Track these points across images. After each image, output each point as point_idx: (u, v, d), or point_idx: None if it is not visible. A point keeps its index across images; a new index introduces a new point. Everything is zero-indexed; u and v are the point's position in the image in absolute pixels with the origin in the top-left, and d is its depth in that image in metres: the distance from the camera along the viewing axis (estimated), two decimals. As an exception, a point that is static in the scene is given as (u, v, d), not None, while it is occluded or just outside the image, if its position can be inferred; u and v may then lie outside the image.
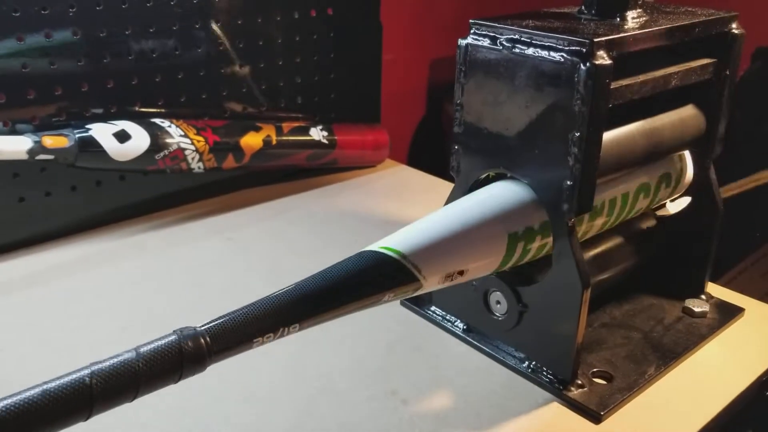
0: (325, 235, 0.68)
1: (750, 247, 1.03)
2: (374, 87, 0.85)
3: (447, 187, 0.79)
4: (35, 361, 0.49)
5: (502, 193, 0.44)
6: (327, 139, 0.76)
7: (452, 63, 0.47)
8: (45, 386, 0.29)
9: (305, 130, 0.75)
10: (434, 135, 1.05)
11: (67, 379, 0.30)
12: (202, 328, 0.33)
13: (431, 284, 0.40)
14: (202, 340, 0.33)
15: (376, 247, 0.40)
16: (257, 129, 0.71)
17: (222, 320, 0.34)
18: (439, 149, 1.05)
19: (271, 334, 0.35)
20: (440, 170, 0.84)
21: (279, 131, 0.73)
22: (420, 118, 1.05)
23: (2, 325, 0.52)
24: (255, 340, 0.34)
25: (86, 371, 0.30)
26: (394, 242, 0.40)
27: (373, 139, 0.82)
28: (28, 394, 0.29)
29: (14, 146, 0.57)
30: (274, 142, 0.72)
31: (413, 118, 1.05)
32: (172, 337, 0.32)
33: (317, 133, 0.76)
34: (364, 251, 0.39)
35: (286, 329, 0.35)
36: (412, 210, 0.73)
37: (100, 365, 0.31)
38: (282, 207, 0.74)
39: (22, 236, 0.63)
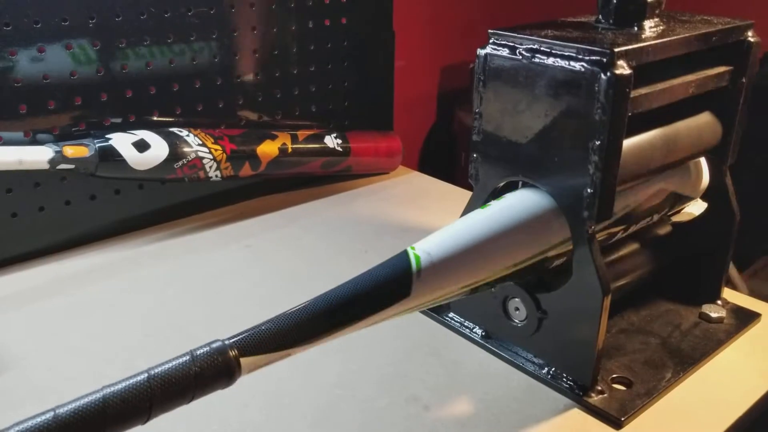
0: (341, 241, 0.68)
1: (758, 251, 1.03)
2: (387, 94, 0.86)
3: (460, 193, 0.80)
4: (60, 369, 0.49)
5: (523, 203, 0.44)
6: (341, 147, 0.77)
7: (464, 70, 0.47)
8: (105, 390, 0.30)
9: (320, 138, 0.76)
10: (445, 141, 1.06)
11: (128, 382, 0.31)
12: (231, 341, 0.34)
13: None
14: (231, 353, 0.33)
15: (398, 258, 0.40)
16: (273, 137, 0.72)
17: (250, 333, 0.34)
18: (450, 155, 1.05)
19: (299, 347, 0.35)
20: (451, 176, 0.85)
21: (294, 139, 0.73)
22: (431, 125, 1.06)
23: (25, 333, 0.53)
24: (283, 353, 0.35)
25: (144, 376, 0.31)
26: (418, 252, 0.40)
27: (387, 146, 0.82)
28: (87, 399, 0.29)
29: (36, 156, 0.58)
30: (289, 150, 0.72)
31: (424, 124, 1.05)
32: (206, 349, 0.33)
33: (331, 141, 0.76)
34: (385, 262, 0.40)
35: (314, 341, 0.36)
36: (426, 216, 0.74)
37: (156, 369, 0.31)
38: (298, 214, 0.75)
39: (42, 245, 0.64)
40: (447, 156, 1.07)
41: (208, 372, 0.33)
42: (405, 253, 0.40)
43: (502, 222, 0.43)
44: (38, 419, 0.29)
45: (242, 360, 0.34)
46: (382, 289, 0.38)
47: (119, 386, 0.31)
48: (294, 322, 0.35)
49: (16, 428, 0.28)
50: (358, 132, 0.81)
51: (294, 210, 0.75)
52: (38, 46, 0.59)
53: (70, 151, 0.59)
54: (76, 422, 0.29)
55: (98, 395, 0.30)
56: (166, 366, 0.32)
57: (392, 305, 0.38)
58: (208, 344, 0.33)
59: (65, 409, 0.30)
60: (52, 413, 0.29)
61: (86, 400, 0.30)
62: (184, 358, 0.32)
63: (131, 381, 0.31)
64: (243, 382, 0.36)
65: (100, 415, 0.30)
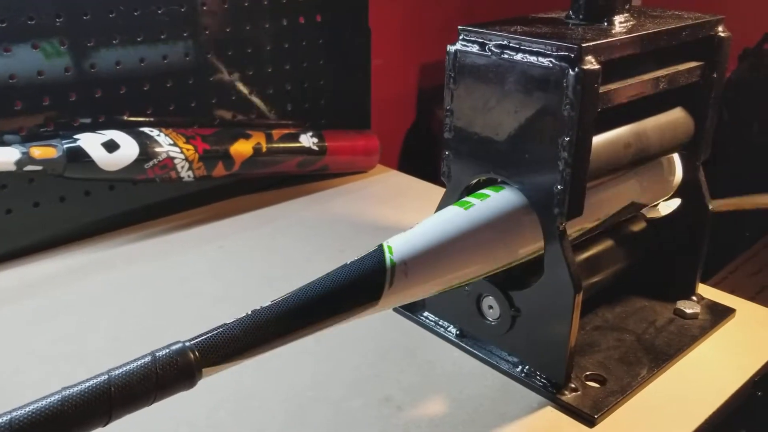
0: (317, 242, 0.68)
1: (739, 247, 1.03)
2: (364, 92, 0.85)
3: (438, 191, 0.79)
4: (29, 373, 0.48)
5: (493, 202, 0.44)
6: (317, 146, 0.76)
7: (441, 67, 0.47)
8: (65, 392, 0.29)
9: (295, 137, 0.75)
10: (424, 140, 1.05)
11: (87, 384, 0.30)
12: (191, 342, 0.33)
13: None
14: (191, 355, 0.32)
15: (364, 257, 0.39)
16: (247, 136, 0.71)
17: (211, 334, 0.34)
18: (430, 154, 1.05)
19: (262, 348, 0.35)
20: (431, 175, 0.84)
21: (269, 138, 0.73)
22: (410, 123, 1.05)
23: (-8, 338, 0.52)
24: (245, 354, 0.34)
25: (104, 377, 0.30)
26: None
27: (364, 144, 0.82)
28: (48, 401, 0.29)
29: (2, 157, 0.56)
30: (264, 149, 0.72)
31: (403, 123, 1.05)
32: (165, 351, 0.32)
33: (307, 140, 0.76)
34: (353, 262, 0.39)
35: (276, 343, 0.35)
36: (404, 215, 0.73)
37: (116, 371, 0.31)
38: (273, 214, 0.74)
39: (10, 248, 0.63)
40: (426, 154, 1.07)
41: (169, 374, 0.32)
42: (380, 256, 0.39)
43: (471, 223, 0.42)
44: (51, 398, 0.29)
45: (204, 362, 0.33)
46: (353, 291, 0.38)
47: (77, 388, 0.30)
48: (257, 323, 0.34)
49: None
50: (334, 131, 0.80)
51: (269, 210, 0.75)
52: (4, 46, 0.58)
53: (38, 152, 0.58)
54: (34, 424, 0.29)
55: (56, 397, 0.30)
56: (127, 368, 0.32)
57: (360, 308, 0.38)
58: (169, 346, 0.33)
59: (20, 412, 0.29)
60: (59, 395, 0.29)
61: (43, 402, 0.29)
62: (146, 359, 0.32)
63: (90, 383, 0.30)
64: (212, 384, 0.35)
65: (59, 416, 0.29)
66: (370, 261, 0.39)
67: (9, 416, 0.29)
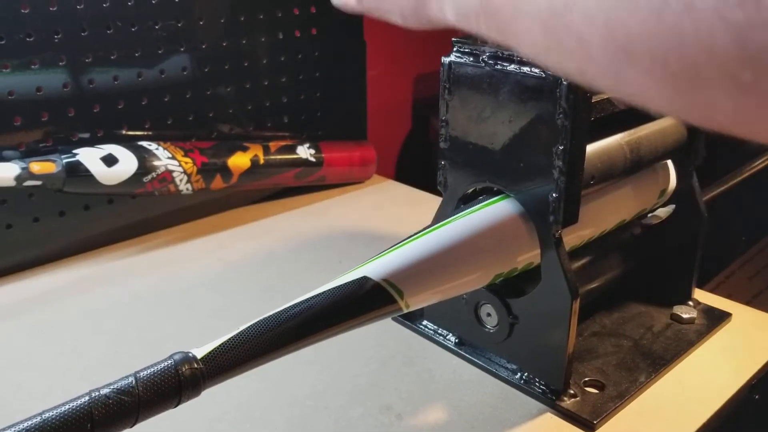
0: (315, 253, 0.68)
1: (736, 251, 1.04)
2: (360, 104, 0.86)
3: (435, 201, 0.79)
4: (29, 388, 0.48)
5: (490, 211, 0.44)
6: (314, 157, 0.77)
7: (436, 78, 0.47)
8: (44, 415, 0.29)
9: (292, 149, 0.76)
10: (421, 149, 1.06)
11: (66, 407, 0.30)
12: (196, 353, 0.33)
13: (414, 306, 0.41)
14: (196, 365, 0.33)
15: (360, 272, 0.40)
16: (244, 149, 0.71)
17: (215, 345, 0.34)
18: (427, 163, 1.05)
19: (262, 359, 0.35)
20: (428, 184, 0.85)
21: (266, 150, 0.73)
22: (406, 133, 1.06)
23: (-7, 353, 0.52)
24: (247, 365, 0.35)
25: (85, 398, 0.30)
26: (379, 267, 0.40)
27: (360, 155, 0.82)
28: (27, 424, 0.29)
29: (1, 173, 0.57)
30: (261, 161, 0.72)
31: (400, 133, 1.05)
32: (168, 362, 0.32)
33: (304, 151, 0.76)
34: (348, 275, 0.40)
35: (276, 353, 0.35)
36: (401, 225, 0.74)
37: (99, 392, 0.31)
38: (271, 226, 0.74)
39: (10, 263, 0.63)
40: (423, 164, 1.07)
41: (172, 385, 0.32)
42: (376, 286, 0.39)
43: (466, 235, 0.43)
44: (29, 422, 0.29)
45: (208, 372, 0.33)
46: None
47: (56, 411, 0.30)
48: (256, 335, 0.35)
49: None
50: (331, 142, 0.81)
51: (267, 222, 0.75)
52: (3, 63, 0.59)
53: (37, 167, 0.58)
54: (61, 427, 0.29)
55: (85, 399, 0.30)
56: (151, 370, 0.32)
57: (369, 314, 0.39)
58: (171, 356, 0.33)
59: (52, 413, 0.29)
60: (39, 418, 0.29)
61: (73, 404, 0.30)
62: (166, 363, 0.32)
63: (69, 405, 0.31)
64: (213, 396, 0.35)
65: (87, 420, 0.30)
66: (355, 282, 0.40)
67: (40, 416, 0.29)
